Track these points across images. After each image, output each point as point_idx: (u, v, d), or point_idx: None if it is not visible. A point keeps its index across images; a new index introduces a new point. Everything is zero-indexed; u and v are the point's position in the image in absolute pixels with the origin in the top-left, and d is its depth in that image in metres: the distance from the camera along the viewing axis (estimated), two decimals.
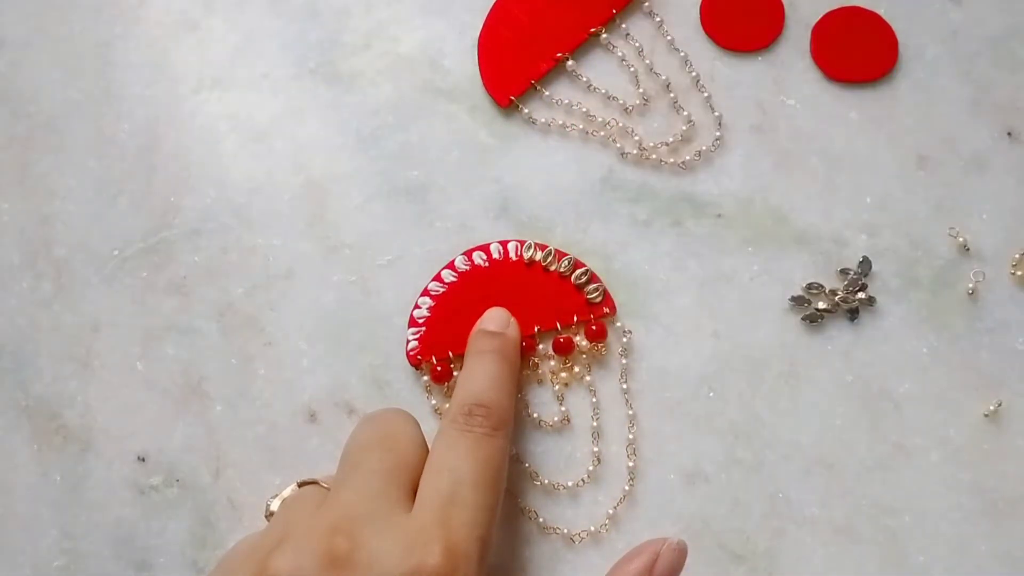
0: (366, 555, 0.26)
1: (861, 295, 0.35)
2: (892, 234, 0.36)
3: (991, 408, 0.34)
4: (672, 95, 0.37)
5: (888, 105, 0.37)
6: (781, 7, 0.37)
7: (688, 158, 0.36)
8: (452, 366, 0.35)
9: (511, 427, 0.31)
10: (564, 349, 0.35)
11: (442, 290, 0.35)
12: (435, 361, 0.35)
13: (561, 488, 0.34)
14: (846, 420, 0.34)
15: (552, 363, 0.35)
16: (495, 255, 0.35)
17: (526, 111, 0.37)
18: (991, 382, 0.34)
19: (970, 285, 0.35)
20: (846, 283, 0.35)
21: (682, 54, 0.37)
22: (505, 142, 0.37)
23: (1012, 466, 0.34)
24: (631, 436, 0.35)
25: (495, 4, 0.38)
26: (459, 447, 0.29)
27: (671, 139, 0.37)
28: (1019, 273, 0.35)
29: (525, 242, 0.35)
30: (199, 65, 0.38)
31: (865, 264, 0.35)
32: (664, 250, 0.36)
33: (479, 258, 0.36)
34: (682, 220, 0.36)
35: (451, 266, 0.36)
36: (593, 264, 0.35)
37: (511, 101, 0.37)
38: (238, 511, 0.35)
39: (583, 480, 0.34)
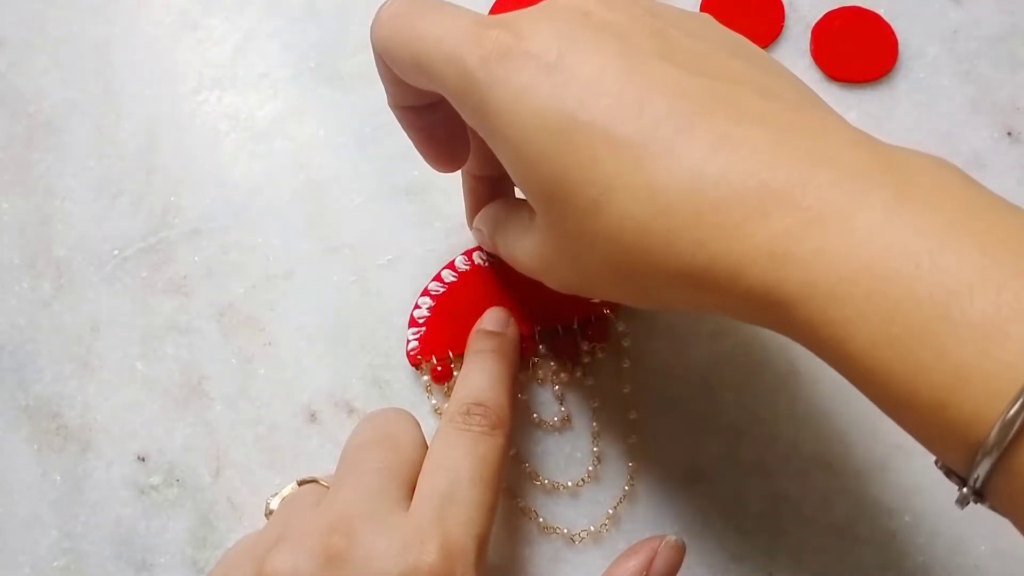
0: (363, 553, 0.26)
1: None
2: None
3: None
4: None
5: (888, 105, 0.37)
6: (781, 7, 0.37)
7: None
8: (452, 366, 0.35)
9: (510, 426, 0.31)
10: (564, 349, 0.35)
11: (442, 290, 0.35)
12: (435, 361, 0.35)
13: (561, 488, 0.34)
14: (846, 420, 0.34)
15: (552, 363, 0.35)
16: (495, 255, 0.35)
17: None
18: None
19: None
20: None
21: None
22: None
23: None
24: (631, 436, 0.35)
25: (495, 4, 0.38)
26: (457, 446, 0.29)
27: None
28: None
29: None
30: (199, 65, 0.39)
31: None
32: None
33: (479, 258, 0.36)
34: None
35: (451, 266, 0.36)
36: None
37: None
38: (238, 511, 0.35)
39: (583, 480, 0.34)
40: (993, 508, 0.22)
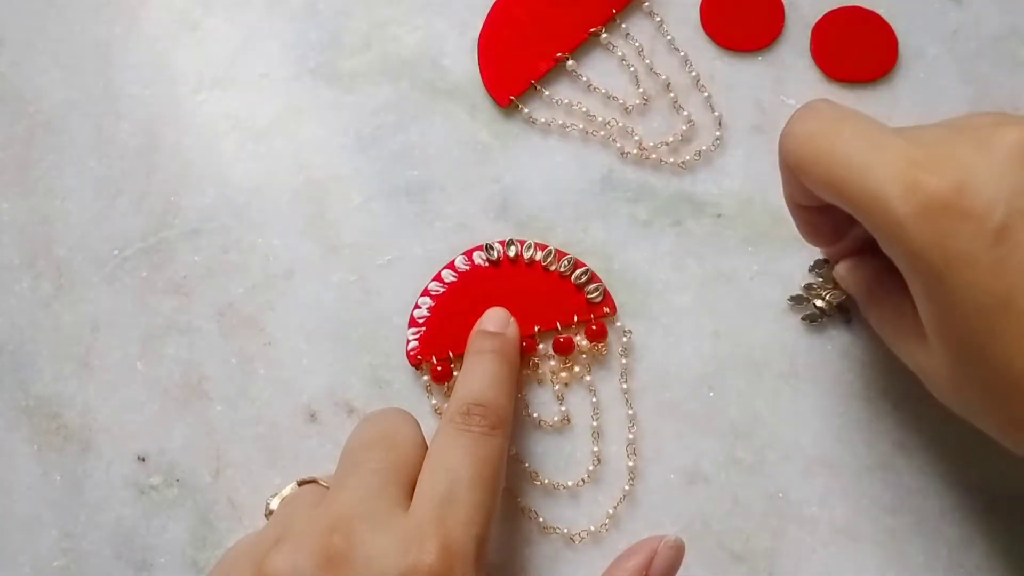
0: (363, 554, 0.26)
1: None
2: None
3: None
4: (672, 95, 0.37)
5: (888, 105, 0.37)
6: (781, 7, 0.37)
7: (688, 158, 0.36)
8: (452, 366, 0.35)
9: (509, 427, 0.31)
10: (564, 349, 0.35)
11: (442, 290, 0.35)
12: (435, 361, 0.35)
13: (561, 488, 0.34)
14: (846, 420, 0.34)
15: (552, 363, 0.35)
16: (495, 255, 0.35)
17: (526, 111, 0.37)
18: None
19: None
20: (820, 280, 0.35)
21: (682, 54, 0.37)
22: (505, 142, 0.37)
23: (1012, 466, 0.34)
24: (631, 436, 0.35)
25: (495, 4, 0.38)
26: (457, 446, 0.29)
27: (671, 139, 0.37)
28: None
29: (525, 242, 0.35)
30: (199, 65, 0.39)
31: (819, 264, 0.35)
32: (664, 250, 0.36)
33: (479, 258, 0.36)
34: (682, 220, 0.36)
35: (451, 266, 0.36)
36: (593, 264, 0.35)
37: (511, 101, 0.37)
38: (238, 511, 0.35)
39: (583, 480, 0.34)
40: None
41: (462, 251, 0.36)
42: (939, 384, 0.27)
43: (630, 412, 0.35)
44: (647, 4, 0.37)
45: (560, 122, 0.37)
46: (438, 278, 0.36)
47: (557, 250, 0.35)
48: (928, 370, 0.27)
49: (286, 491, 0.32)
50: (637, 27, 0.38)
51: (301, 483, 0.32)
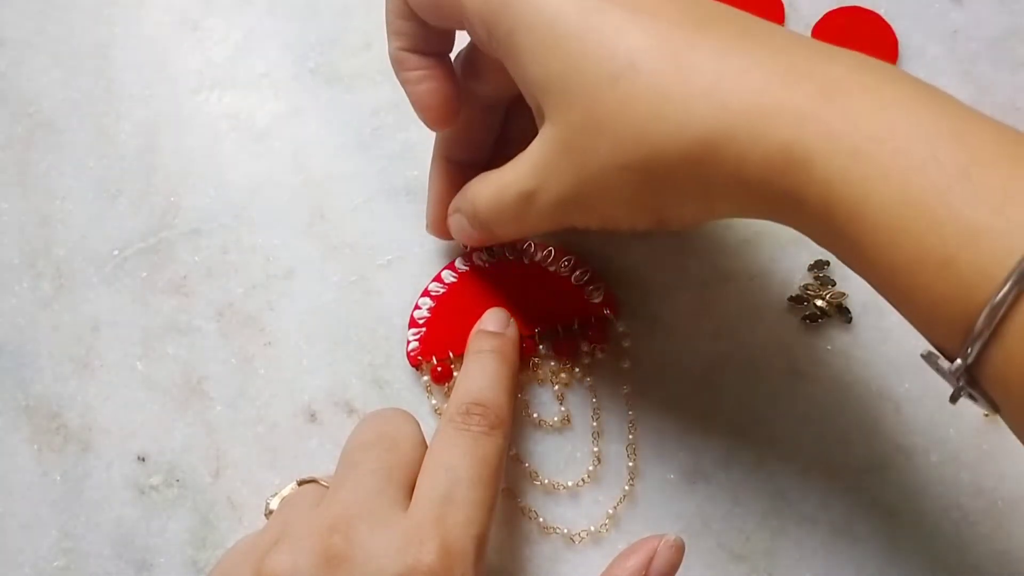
0: (362, 553, 0.26)
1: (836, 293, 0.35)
2: None
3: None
4: None
5: None
6: (781, 7, 0.37)
7: None
8: (452, 366, 0.35)
9: (509, 426, 0.31)
10: (564, 350, 0.35)
11: (442, 291, 0.35)
12: (435, 361, 0.35)
13: (561, 488, 0.34)
14: (846, 420, 0.34)
15: (552, 363, 0.35)
16: (495, 255, 0.35)
17: None
18: None
19: None
20: (818, 281, 0.35)
21: None
22: None
23: (1012, 466, 0.34)
24: (631, 436, 0.35)
25: None
26: (456, 446, 0.29)
27: None
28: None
29: (525, 242, 0.35)
30: (199, 65, 0.39)
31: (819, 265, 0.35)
32: (664, 250, 0.36)
33: (479, 258, 0.36)
34: None
35: (451, 267, 0.36)
36: (593, 264, 0.35)
37: None
38: (238, 511, 0.35)
39: (583, 480, 0.34)
40: (978, 396, 0.22)
41: (462, 252, 0.36)
42: (557, 170, 0.27)
43: (630, 412, 0.35)
44: None
45: None
46: (438, 279, 0.36)
47: (557, 250, 0.35)
48: (543, 161, 0.27)
49: (286, 491, 0.32)
50: None
51: (301, 483, 0.32)
